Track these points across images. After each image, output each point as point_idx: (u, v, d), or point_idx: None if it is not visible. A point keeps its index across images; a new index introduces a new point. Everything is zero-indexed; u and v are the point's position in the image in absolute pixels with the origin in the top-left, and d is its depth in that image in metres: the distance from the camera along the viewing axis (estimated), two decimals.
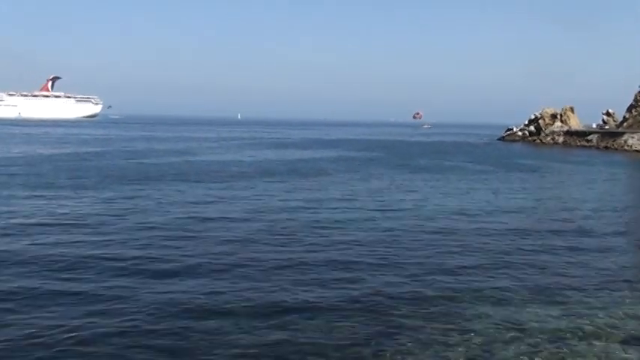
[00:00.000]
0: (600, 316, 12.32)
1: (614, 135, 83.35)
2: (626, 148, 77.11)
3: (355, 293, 13.38)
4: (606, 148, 79.71)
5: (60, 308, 11.91)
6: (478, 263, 16.40)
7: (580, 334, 11.31)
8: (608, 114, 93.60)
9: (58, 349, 10.07)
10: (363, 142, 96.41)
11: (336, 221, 22.03)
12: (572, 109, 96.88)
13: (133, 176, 35.00)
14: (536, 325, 11.71)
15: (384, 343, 10.66)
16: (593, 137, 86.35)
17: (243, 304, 12.37)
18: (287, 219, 22.20)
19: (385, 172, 42.95)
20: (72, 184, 30.67)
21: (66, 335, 10.57)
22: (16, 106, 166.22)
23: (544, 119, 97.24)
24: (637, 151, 74.84)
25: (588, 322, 11.93)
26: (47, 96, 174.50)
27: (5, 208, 22.69)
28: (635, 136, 78.61)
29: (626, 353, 10.57)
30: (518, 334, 11.20)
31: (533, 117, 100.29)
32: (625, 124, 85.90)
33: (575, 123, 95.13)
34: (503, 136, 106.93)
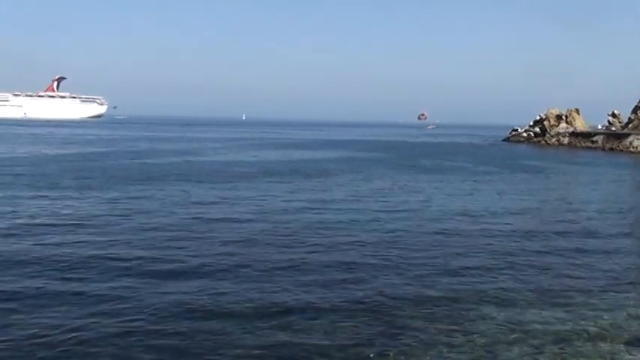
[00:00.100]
0: (605, 317, 12.27)
1: (620, 136, 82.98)
2: (631, 149, 76.75)
3: (359, 294, 13.37)
4: (611, 149, 79.35)
5: (63, 308, 11.94)
6: (482, 264, 16.37)
7: (584, 335, 11.27)
8: (613, 115, 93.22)
9: (61, 349, 10.09)
10: (372, 142, 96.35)
11: (340, 222, 22.02)
12: (577, 111, 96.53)
13: (137, 176, 35.09)
14: (540, 326, 11.67)
15: (388, 344, 10.65)
16: (599, 138, 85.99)
17: (246, 305, 12.37)
18: (291, 220, 22.20)
19: (389, 172, 42.90)
20: (77, 184, 30.76)
21: (69, 335, 10.59)
22: (21, 106, 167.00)
23: (549, 120, 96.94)
24: None
25: (593, 323, 11.89)
26: (52, 96, 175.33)
27: (10, 208, 22.77)
28: None
29: (630, 355, 10.52)
30: (522, 336, 11.16)
31: (538, 118, 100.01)
32: (630, 125, 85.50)
33: (580, 124, 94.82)
34: (508, 137, 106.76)
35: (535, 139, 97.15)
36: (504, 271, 15.70)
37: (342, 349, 10.36)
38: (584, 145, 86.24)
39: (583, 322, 11.92)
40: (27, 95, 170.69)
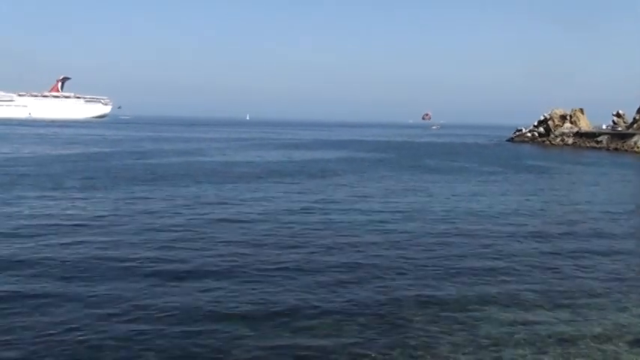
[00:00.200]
0: (609, 318, 12.26)
1: (624, 136, 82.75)
2: (635, 149, 76.52)
3: (363, 295, 13.38)
4: (616, 149, 79.13)
5: (67, 309, 11.98)
6: (486, 265, 16.35)
7: (589, 336, 11.26)
8: (618, 115, 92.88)
9: (66, 351, 10.12)
10: (374, 143, 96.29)
11: (344, 223, 22.04)
12: (581, 111, 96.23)
13: (142, 177, 35.15)
14: (544, 327, 11.66)
15: (393, 345, 10.66)
16: (603, 139, 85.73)
17: (250, 306, 12.40)
18: (295, 220, 22.21)
19: (394, 173, 42.86)
20: (81, 184, 30.85)
21: (73, 336, 10.63)
22: (26, 106, 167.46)
23: (553, 120, 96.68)
24: None
25: (597, 324, 11.88)
26: (57, 96, 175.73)
27: (15, 209, 22.85)
28: None
29: (635, 355, 10.51)
30: (526, 336, 11.16)
31: (542, 118, 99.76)
32: (635, 125, 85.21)
33: (584, 124, 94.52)
34: (512, 137, 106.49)
35: (539, 139, 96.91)
36: (509, 272, 15.68)
37: (346, 350, 10.37)
38: (588, 145, 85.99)
39: (587, 323, 11.92)
40: (32, 95, 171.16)
